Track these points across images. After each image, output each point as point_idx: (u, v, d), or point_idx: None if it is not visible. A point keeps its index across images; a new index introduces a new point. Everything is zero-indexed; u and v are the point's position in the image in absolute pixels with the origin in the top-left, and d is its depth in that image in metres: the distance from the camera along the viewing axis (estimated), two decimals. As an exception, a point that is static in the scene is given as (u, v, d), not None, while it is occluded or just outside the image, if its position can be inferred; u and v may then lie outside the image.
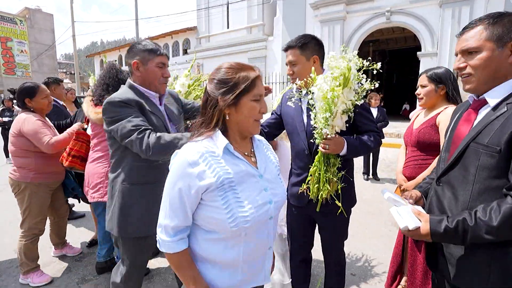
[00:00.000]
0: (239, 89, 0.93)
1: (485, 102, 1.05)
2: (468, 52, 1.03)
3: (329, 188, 1.51)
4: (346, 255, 1.93)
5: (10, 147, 2.35)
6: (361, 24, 12.02)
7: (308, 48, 1.62)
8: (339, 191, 1.54)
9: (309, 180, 1.58)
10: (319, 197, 1.54)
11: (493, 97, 1.01)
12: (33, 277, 2.35)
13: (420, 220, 1.03)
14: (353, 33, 12.25)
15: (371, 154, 5.49)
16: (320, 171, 1.52)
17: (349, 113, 1.49)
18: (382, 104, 7.54)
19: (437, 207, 1.12)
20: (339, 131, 1.52)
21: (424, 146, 1.87)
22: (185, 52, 19.79)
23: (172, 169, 0.94)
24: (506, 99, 0.98)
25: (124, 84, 2.09)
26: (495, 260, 0.96)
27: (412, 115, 5.03)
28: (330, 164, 1.53)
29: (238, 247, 0.96)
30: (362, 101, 1.50)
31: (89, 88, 2.53)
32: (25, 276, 2.37)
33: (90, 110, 2.22)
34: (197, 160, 0.90)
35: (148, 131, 1.40)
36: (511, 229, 0.88)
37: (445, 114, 1.78)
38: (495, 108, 1.00)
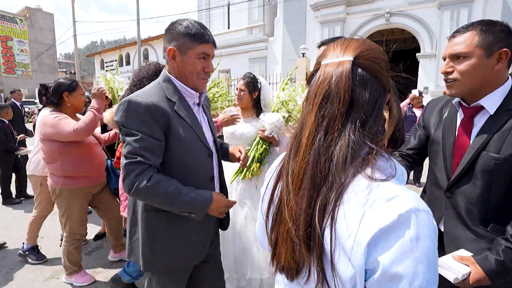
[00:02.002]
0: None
1: (479, 109, 1.04)
2: (456, 57, 1.04)
3: None
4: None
5: (42, 154, 2.29)
6: (361, 25, 12.12)
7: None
8: None
9: None
10: None
11: (490, 105, 1.01)
12: (77, 277, 2.41)
13: (466, 265, 0.96)
14: (353, 34, 12.31)
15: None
16: None
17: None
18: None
19: (455, 219, 1.10)
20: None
21: None
22: (186, 52, 19.85)
23: (424, 225, 0.52)
24: (502, 106, 1.00)
25: None
26: None
27: None
28: None
29: None
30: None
31: (93, 87, 2.31)
32: (69, 277, 2.42)
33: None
34: None
35: (142, 168, 1.08)
36: None
37: None
38: (494, 115, 1.00)
